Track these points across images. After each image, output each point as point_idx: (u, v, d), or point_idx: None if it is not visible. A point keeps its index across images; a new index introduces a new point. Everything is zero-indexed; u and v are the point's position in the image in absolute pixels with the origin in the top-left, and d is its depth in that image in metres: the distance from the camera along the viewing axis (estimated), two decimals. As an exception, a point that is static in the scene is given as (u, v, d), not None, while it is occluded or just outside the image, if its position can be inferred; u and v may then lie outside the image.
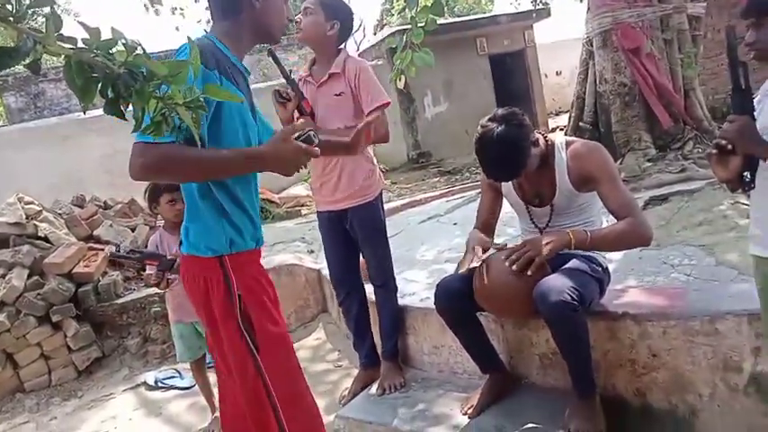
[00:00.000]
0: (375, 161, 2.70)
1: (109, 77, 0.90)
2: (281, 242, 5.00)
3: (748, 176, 1.70)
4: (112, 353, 4.03)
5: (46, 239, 4.33)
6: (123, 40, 0.91)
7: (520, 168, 2.08)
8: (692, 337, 2.08)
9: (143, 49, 0.93)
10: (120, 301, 4.15)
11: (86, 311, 4.06)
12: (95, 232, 4.80)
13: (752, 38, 1.61)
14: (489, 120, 2.08)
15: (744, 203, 3.04)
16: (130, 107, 0.98)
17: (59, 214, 4.86)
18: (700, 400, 2.10)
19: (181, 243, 1.70)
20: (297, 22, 2.50)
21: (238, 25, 1.66)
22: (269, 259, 4.30)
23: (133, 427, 3.10)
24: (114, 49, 0.91)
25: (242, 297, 1.60)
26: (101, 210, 5.28)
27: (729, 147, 1.69)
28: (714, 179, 3.52)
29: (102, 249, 4.36)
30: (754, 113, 1.68)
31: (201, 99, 1.00)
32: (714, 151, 1.73)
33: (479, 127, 2.09)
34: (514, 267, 2.00)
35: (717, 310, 2.07)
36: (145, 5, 7.14)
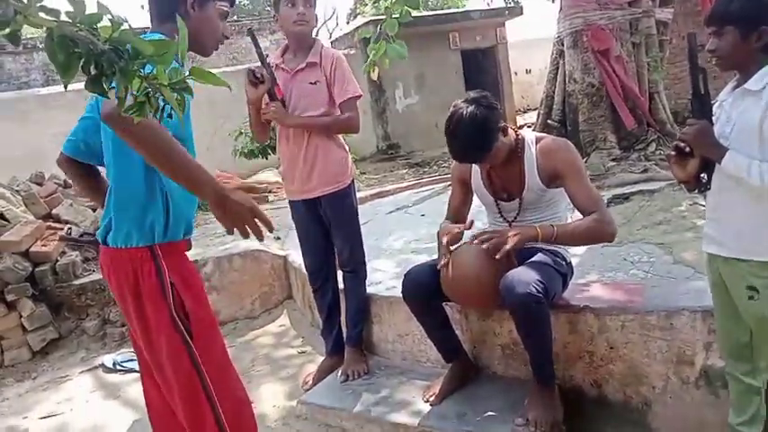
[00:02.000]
0: (347, 148, 2.70)
1: (92, 53, 0.87)
2: (247, 227, 4.95)
3: (705, 178, 1.78)
4: (70, 334, 3.93)
5: (2, 217, 4.19)
6: (109, 16, 0.88)
7: (486, 149, 2.09)
8: (648, 332, 2.15)
9: (129, 26, 0.90)
10: (78, 281, 4.04)
11: (43, 291, 3.94)
12: (54, 211, 4.66)
13: (713, 45, 1.68)
14: (461, 101, 2.11)
15: (701, 205, 3.15)
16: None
17: (17, 191, 4.70)
18: (653, 391, 2.18)
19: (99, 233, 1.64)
20: (301, 13, 2.47)
21: (174, 31, 1.61)
22: (234, 244, 4.26)
23: (89, 410, 3.04)
24: (99, 25, 0.88)
25: (174, 285, 1.57)
26: (60, 188, 5.13)
27: (687, 149, 1.76)
28: (674, 180, 3.64)
29: (62, 229, 4.24)
30: (713, 118, 1.75)
31: (188, 81, 0.98)
32: (673, 153, 1.80)
33: (452, 106, 2.12)
34: (484, 246, 2.01)
35: (672, 306, 2.15)
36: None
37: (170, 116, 1.00)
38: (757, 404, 1.90)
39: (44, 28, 0.84)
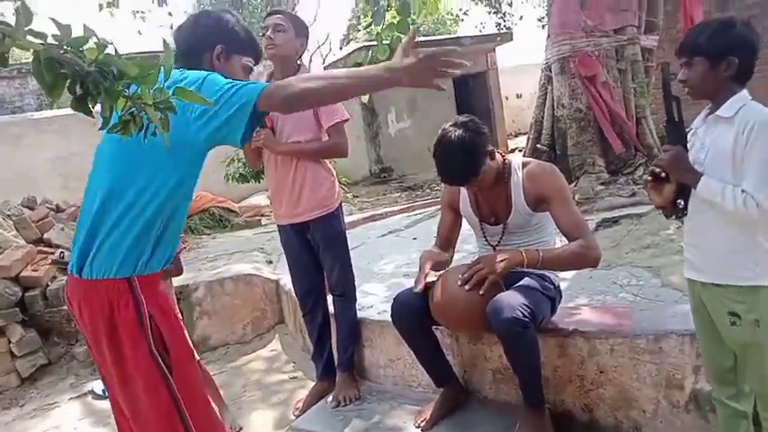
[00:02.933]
0: (334, 173, 2.73)
1: (78, 74, 0.90)
2: (239, 251, 4.95)
3: (681, 203, 1.81)
4: (59, 360, 3.89)
5: (-8, 241, 4.17)
6: (95, 39, 0.91)
7: (474, 172, 2.12)
8: (637, 355, 2.16)
9: (114, 49, 0.93)
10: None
11: (33, 317, 3.91)
12: (46, 235, 4.65)
13: (684, 76, 1.73)
14: (450, 125, 2.16)
15: (688, 229, 3.18)
16: (98, 106, 0.97)
17: (8, 216, 4.69)
18: (643, 415, 2.18)
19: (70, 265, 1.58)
20: (269, 38, 2.51)
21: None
22: (226, 268, 4.25)
23: (78, 438, 3.00)
24: (85, 47, 0.90)
25: (153, 318, 1.51)
26: (52, 213, 5.12)
27: (663, 175, 1.79)
28: (662, 204, 3.68)
29: (53, 253, 4.23)
30: (687, 144, 1.79)
31: (172, 101, 1.00)
32: (650, 178, 1.84)
33: (440, 130, 2.16)
34: (467, 287, 2.06)
35: (661, 330, 2.16)
36: (100, 4, 6.96)
37: (153, 134, 1.01)
38: (745, 428, 1.90)
39: (31, 51, 0.86)
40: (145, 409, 1.54)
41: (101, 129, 1.07)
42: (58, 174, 7.46)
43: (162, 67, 1.00)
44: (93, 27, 0.93)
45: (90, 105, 0.95)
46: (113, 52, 0.93)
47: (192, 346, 1.69)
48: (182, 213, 1.60)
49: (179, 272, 2.44)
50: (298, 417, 2.71)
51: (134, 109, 0.98)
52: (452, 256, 2.44)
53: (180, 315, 1.74)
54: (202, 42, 1.68)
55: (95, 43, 0.91)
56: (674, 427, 2.14)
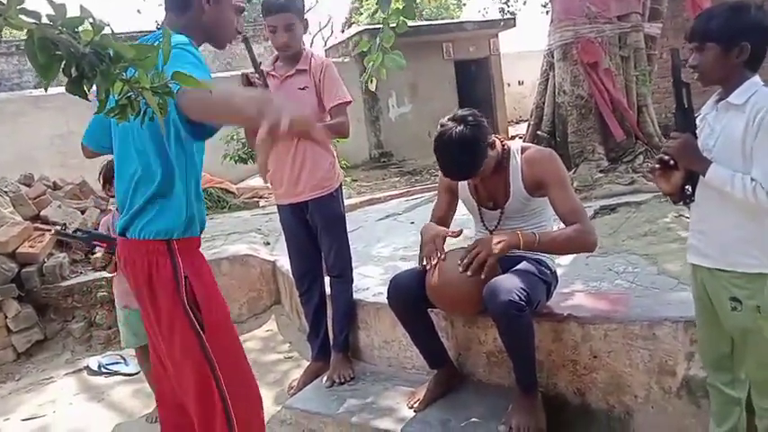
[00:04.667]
0: (335, 154, 2.72)
1: (73, 56, 0.88)
2: (236, 232, 4.95)
3: (689, 190, 1.80)
4: (55, 336, 3.91)
5: (-11, 217, 4.17)
6: (91, 19, 0.89)
7: (476, 168, 2.13)
8: (631, 341, 2.17)
9: (111, 30, 0.91)
10: (65, 283, 4.02)
11: (29, 293, 3.92)
12: (43, 212, 4.64)
13: (695, 61, 1.70)
14: (449, 119, 2.13)
15: (686, 216, 3.18)
16: (94, 87, 0.96)
17: (5, 192, 4.68)
18: (635, 401, 2.19)
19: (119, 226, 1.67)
20: (284, 41, 2.51)
21: (190, 22, 1.65)
22: (223, 248, 4.26)
23: (73, 412, 3.02)
24: (80, 28, 0.89)
25: (188, 279, 1.59)
26: (50, 190, 5.11)
27: (672, 162, 1.78)
28: (660, 192, 3.68)
29: (50, 230, 4.22)
30: (696, 131, 1.78)
31: (170, 85, 0.99)
32: (657, 166, 1.83)
33: (439, 125, 2.14)
34: (469, 273, 2.06)
35: (655, 316, 2.17)
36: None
37: (151, 119, 1.01)
38: (738, 415, 1.92)
39: (25, 30, 0.84)
40: (182, 367, 1.62)
41: (96, 113, 1.07)
42: (57, 151, 7.44)
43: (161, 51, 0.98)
44: (89, 7, 0.91)
45: (86, 88, 0.93)
46: (110, 34, 0.91)
47: (227, 310, 1.74)
48: (197, 176, 1.66)
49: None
50: (292, 396, 2.72)
51: (131, 93, 0.96)
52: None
53: None
54: None
55: (91, 24, 0.89)
56: (665, 413, 2.16)
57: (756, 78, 1.66)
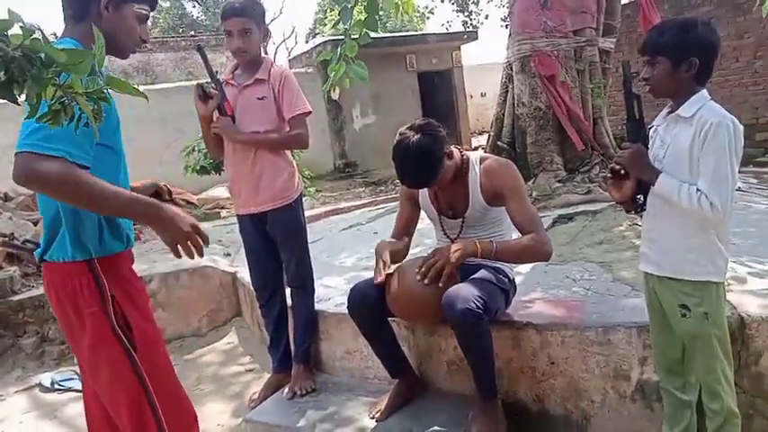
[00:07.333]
0: (294, 164, 2.71)
1: (2, 60, 0.86)
2: (197, 244, 4.85)
3: (641, 199, 1.86)
4: (5, 352, 3.76)
5: (-64, 229, 4.00)
6: (21, 23, 0.87)
7: (433, 177, 2.15)
8: (587, 347, 2.21)
9: (42, 34, 0.89)
10: (16, 297, 3.88)
11: (-23, 308, 3.77)
12: (-7, 224, 4.48)
13: (647, 74, 1.76)
14: (407, 128, 2.16)
15: (640, 225, 3.27)
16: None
17: (-47, 203, 4.51)
18: (592, 405, 2.23)
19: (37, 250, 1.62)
20: (239, 46, 2.49)
21: (88, 29, 1.50)
22: (183, 260, 4.17)
23: (23, 431, 2.91)
24: (10, 32, 0.86)
25: (116, 298, 1.55)
26: (1, 201, 4.94)
27: (623, 171, 1.84)
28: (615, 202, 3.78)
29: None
30: (648, 142, 1.84)
31: (106, 91, 0.97)
32: (609, 175, 1.88)
33: (398, 134, 2.16)
34: (426, 281, 2.08)
35: (610, 322, 2.22)
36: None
37: (86, 125, 0.99)
38: (689, 417, 1.97)
39: None
40: (113, 391, 1.57)
41: (27, 118, 1.04)
42: (8, 161, 7.19)
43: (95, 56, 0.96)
44: (25, 13, 0.89)
45: (16, 93, 0.91)
46: (40, 38, 0.88)
47: (158, 328, 1.70)
48: (117, 183, 1.58)
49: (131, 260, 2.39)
50: (253, 408, 2.68)
51: (65, 98, 0.94)
52: (408, 248, 2.46)
53: None
54: None
55: (21, 27, 0.87)
56: (620, 417, 2.21)
57: (704, 92, 1.72)
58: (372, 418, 2.34)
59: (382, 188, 9.17)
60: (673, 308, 1.80)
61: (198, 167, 7.08)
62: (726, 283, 1.83)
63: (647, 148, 1.82)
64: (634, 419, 2.20)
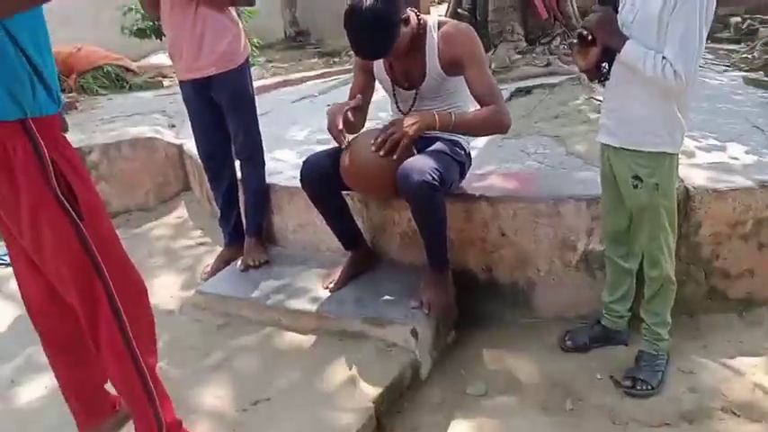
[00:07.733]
0: (240, 26, 2.49)
1: None
2: (138, 114, 4.58)
3: (605, 67, 1.82)
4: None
5: None
6: None
7: (389, 46, 2.01)
8: (537, 219, 2.25)
9: None
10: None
11: None
12: None
13: None
14: None
15: (597, 99, 3.24)
16: None
17: None
18: (538, 274, 2.32)
19: None
20: None
21: None
22: (124, 131, 3.96)
23: (-33, 306, 2.85)
24: None
25: (56, 162, 1.42)
26: None
27: (590, 37, 1.78)
28: (574, 75, 3.72)
29: None
30: (618, 6, 1.76)
31: None
32: (576, 41, 1.82)
33: (349, 0, 1.98)
34: (381, 153, 2.00)
35: (561, 195, 2.25)
36: None
37: None
38: (628, 284, 2.09)
39: None
40: (59, 262, 1.48)
41: None
42: None
43: None
44: None
45: None
46: None
47: (100, 198, 1.59)
48: (45, 48, 1.43)
49: (64, 129, 2.23)
50: (205, 281, 2.68)
51: None
52: (364, 120, 2.36)
53: None
54: None
55: None
56: (563, 284, 2.31)
57: None
58: (326, 288, 2.37)
59: (336, 59, 8.77)
60: (625, 178, 1.83)
61: (134, 29, 6.54)
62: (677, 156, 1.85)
63: (617, 12, 1.75)
64: (576, 287, 2.30)
